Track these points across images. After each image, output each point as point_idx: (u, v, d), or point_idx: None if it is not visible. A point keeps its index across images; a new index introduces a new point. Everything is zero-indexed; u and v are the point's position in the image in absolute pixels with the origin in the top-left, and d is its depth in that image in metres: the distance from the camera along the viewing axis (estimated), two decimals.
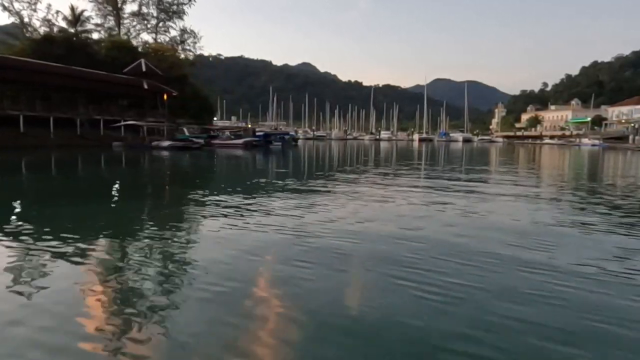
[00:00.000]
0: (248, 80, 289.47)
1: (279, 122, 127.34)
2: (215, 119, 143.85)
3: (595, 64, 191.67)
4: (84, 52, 46.88)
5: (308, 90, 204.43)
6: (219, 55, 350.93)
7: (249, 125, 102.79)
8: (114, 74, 43.57)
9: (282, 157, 35.12)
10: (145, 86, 43.38)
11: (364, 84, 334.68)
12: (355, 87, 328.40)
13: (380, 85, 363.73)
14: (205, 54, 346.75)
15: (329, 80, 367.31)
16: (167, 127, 41.68)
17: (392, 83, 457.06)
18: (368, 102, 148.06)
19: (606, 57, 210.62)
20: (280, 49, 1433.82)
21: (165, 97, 42.77)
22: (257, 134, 49.46)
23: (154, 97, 46.12)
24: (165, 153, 33.36)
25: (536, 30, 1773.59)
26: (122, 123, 37.79)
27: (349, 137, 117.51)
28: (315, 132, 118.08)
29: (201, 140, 39.65)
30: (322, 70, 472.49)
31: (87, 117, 40.79)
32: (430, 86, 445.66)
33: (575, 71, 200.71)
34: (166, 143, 36.84)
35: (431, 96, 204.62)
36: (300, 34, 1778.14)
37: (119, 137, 38.31)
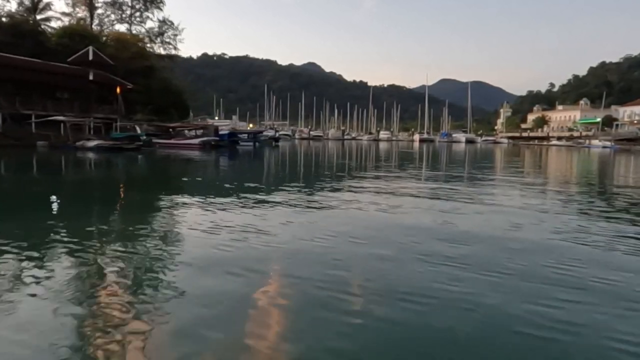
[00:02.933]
0: (252, 80, 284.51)
1: (275, 122, 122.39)
2: (216, 117, 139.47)
3: (603, 64, 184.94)
4: (34, 40, 41.08)
5: (311, 89, 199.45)
6: (224, 54, 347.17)
7: (244, 124, 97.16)
8: (50, 62, 37.14)
9: (248, 160, 29.74)
10: (91, 77, 37.14)
11: (369, 83, 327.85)
12: (360, 87, 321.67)
13: (386, 86, 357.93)
14: (210, 52, 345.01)
15: (333, 79, 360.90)
16: (120, 123, 35.89)
17: (398, 83, 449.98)
18: (373, 101, 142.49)
19: (614, 57, 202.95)
20: (286, 49, 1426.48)
21: (118, 90, 37.00)
22: (221, 132, 43.44)
23: (106, 91, 39.93)
24: (90, 155, 27.71)
25: (543, 31, 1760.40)
26: (37, 120, 31.94)
27: (347, 137, 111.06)
28: (311, 132, 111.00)
29: (140, 141, 33.42)
30: (327, 70, 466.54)
31: (11, 111, 34.65)
32: (436, 86, 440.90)
33: (582, 72, 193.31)
34: (92, 143, 30.98)
35: (436, 96, 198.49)
36: (307, 34, 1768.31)
37: (46, 136, 32.34)
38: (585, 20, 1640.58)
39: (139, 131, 36.06)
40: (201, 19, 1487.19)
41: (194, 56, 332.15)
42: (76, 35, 43.57)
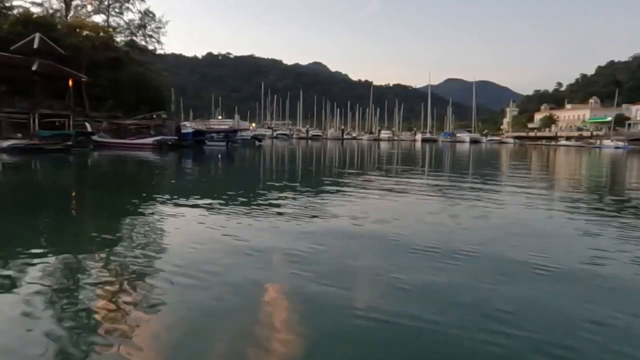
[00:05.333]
0: (257, 79, 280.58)
1: (277, 121, 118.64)
2: (219, 117, 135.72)
3: (612, 63, 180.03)
4: None
5: (316, 89, 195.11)
6: (229, 53, 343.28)
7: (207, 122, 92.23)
8: None
9: (209, 164, 25.04)
10: (34, 67, 32.07)
11: (375, 83, 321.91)
12: (365, 86, 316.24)
13: (391, 85, 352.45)
14: (215, 52, 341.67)
15: (338, 79, 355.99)
16: (73, 120, 31.25)
17: (404, 83, 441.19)
18: (377, 101, 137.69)
19: (623, 56, 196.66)
20: (291, 48, 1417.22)
21: (71, 83, 32.27)
22: (184, 131, 38.55)
23: (58, 84, 34.80)
24: (4, 157, 22.97)
25: (550, 31, 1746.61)
26: None
27: (346, 136, 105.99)
28: (309, 131, 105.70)
29: (70, 140, 28.48)
30: (333, 69, 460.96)
31: None
32: (442, 86, 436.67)
33: (591, 71, 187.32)
34: (6, 143, 26.30)
35: (442, 96, 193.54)
36: (312, 34, 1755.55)
37: None
38: (593, 20, 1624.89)
39: (89, 129, 31.48)
40: (206, 19, 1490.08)
41: (199, 55, 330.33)
42: (31, 23, 38.70)
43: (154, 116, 35.42)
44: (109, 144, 31.65)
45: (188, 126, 42.89)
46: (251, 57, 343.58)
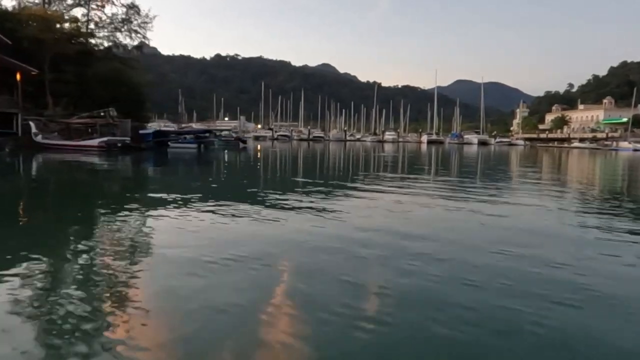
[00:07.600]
0: (265, 81, 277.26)
1: (282, 123, 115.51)
2: (226, 118, 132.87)
3: (624, 64, 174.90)
4: None
5: (324, 90, 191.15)
6: (237, 55, 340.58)
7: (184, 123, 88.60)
8: None
9: (164, 171, 20.81)
10: None
11: (384, 84, 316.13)
12: (374, 88, 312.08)
13: (400, 86, 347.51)
14: (223, 54, 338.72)
15: (346, 80, 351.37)
16: (21, 119, 27.26)
17: (413, 84, 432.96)
18: (386, 102, 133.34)
19: (636, 57, 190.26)
20: (300, 50, 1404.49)
21: (18, 76, 28.27)
22: (143, 131, 34.27)
23: (4, 77, 30.33)
24: None
25: (561, 32, 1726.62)
26: None
27: (350, 138, 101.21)
28: (312, 132, 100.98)
29: None
30: (341, 71, 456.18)
31: None
32: (451, 87, 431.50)
33: (603, 72, 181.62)
34: None
35: (451, 97, 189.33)
36: (321, 36, 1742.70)
37: None
38: (604, 20, 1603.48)
39: (33, 129, 27.46)
40: (214, 20, 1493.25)
41: (207, 57, 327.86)
42: None
43: (102, 114, 31.14)
44: (52, 146, 27.56)
45: (149, 126, 38.78)
46: (259, 58, 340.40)
